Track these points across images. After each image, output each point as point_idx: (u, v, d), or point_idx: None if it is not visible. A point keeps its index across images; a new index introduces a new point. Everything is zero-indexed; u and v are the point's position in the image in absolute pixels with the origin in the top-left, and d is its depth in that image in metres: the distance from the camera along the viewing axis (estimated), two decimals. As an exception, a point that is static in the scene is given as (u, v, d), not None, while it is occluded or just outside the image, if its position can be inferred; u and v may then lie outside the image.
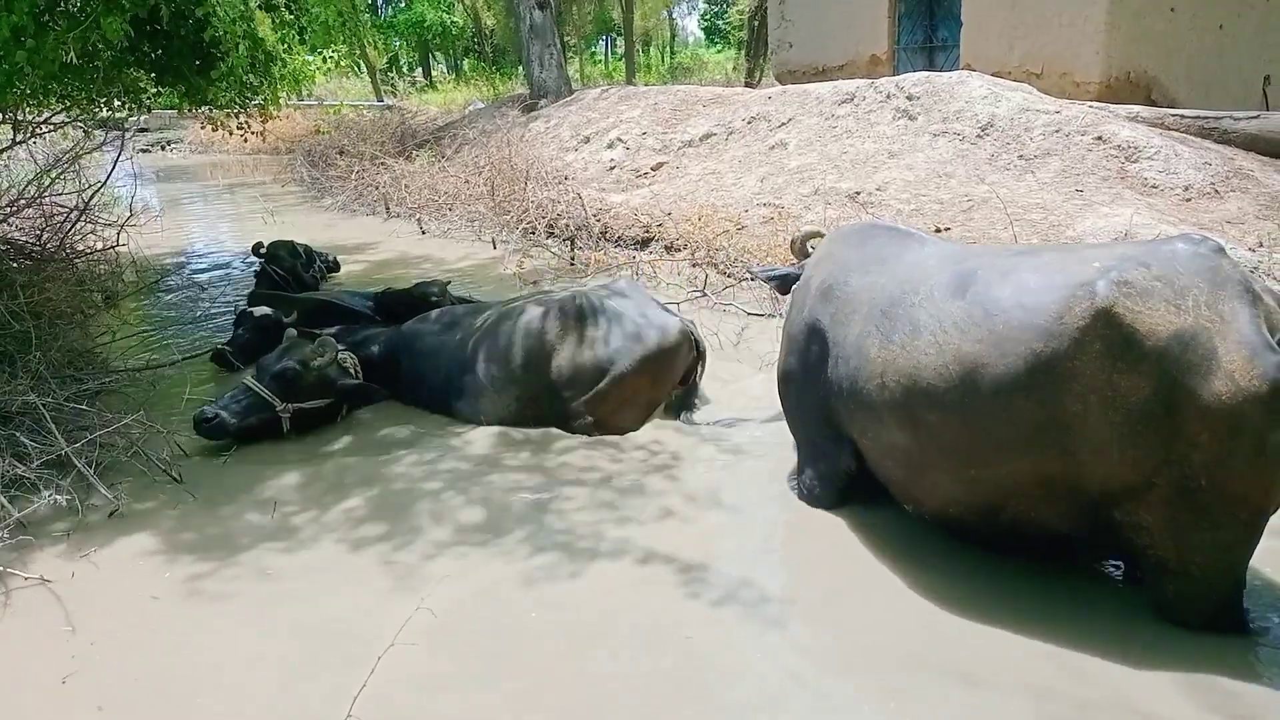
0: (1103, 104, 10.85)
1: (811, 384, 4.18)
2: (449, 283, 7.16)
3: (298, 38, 8.57)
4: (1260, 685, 3.05)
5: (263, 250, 8.74)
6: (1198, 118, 10.21)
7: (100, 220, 8.15)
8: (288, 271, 8.66)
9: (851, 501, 4.26)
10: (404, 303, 7.15)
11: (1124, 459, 3.14)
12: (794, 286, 4.54)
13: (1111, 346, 3.05)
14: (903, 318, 3.60)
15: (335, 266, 9.93)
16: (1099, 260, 3.22)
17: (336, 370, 5.55)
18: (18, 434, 4.84)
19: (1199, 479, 3.07)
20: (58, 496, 4.35)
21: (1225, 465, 3.04)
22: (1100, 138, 9.28)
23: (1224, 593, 3.29)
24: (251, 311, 6.99)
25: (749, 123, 12.66)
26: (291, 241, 9.07)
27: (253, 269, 8.93)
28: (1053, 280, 3.25)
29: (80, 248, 7.78)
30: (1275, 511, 3.16)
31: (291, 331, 5.78)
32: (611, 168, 13.29)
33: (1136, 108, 10.72)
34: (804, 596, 3.73)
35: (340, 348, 5.67)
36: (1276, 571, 3.62)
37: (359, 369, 5.71)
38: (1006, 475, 3.40)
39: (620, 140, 13.84)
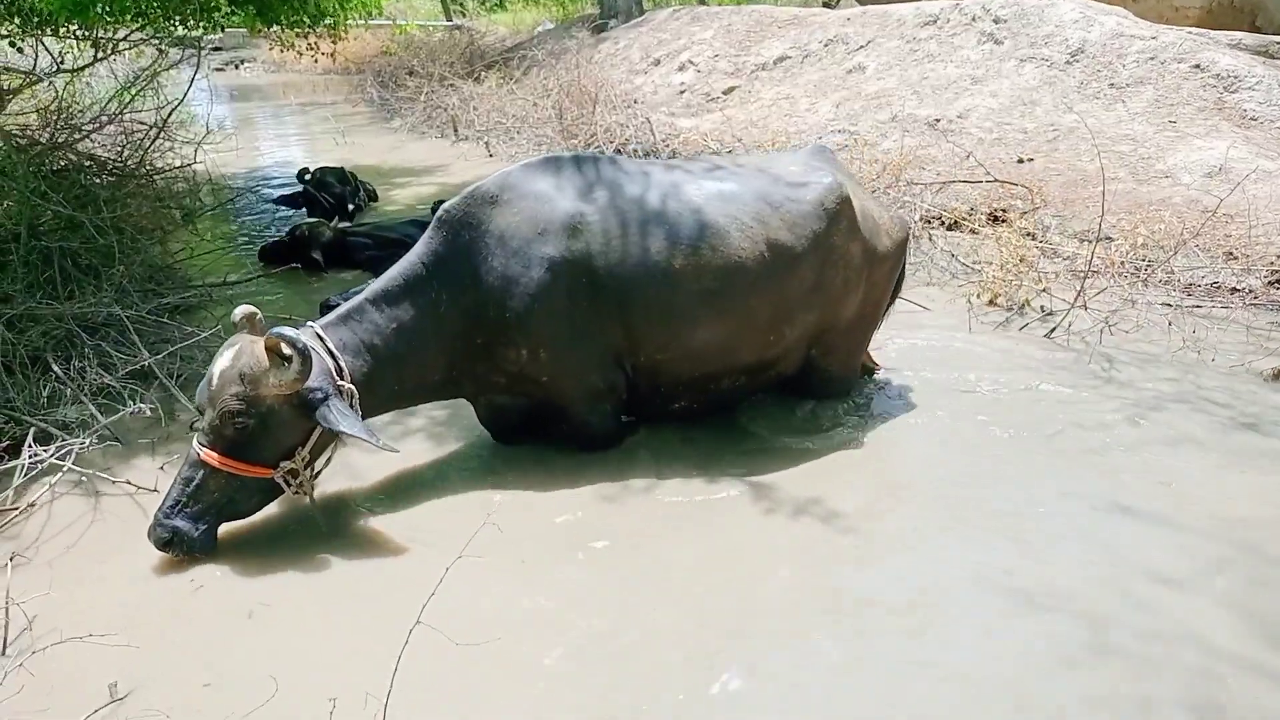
0: (1202, 30, 10.24)
1: (586, 324, 3.94)
2: None
3: None
4: None
5: (309, 176, 8.77)
6: (1306, 45, 9.59)
7: (178, 138, 8.27)
8: (335, 199, 8.69)
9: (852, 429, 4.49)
10: None
11: (847, 304, 4.37)
12: (486, 255, 3.86)
13: (850, 222, 4.22)
14: (698, 223, 3.96)
15: (373, 196, 9.89)
16: (795, 163, 4.36)
17: None
18: (103, 344, 5.01)
19: (867, 307, 4.51)
20: (143, 405, 4.50)
21: (882, 292, 4.58)
22: (1198, 66, 8.79)
23: (857, 373, 4.79)
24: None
25: (826, 45, 12.27)
26: (341, 169, 9.10)
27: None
28: (803, 176, 4.23)
29: (159, 165, 7.90)
30: None
31: None
32: (682, 91, 13.03)
33: (1239, 34, 10.10)
34: (868, 528, 3.72)
35: None
36: None
37: None
38: (790, 338, 4.28)
39: (691, 63, 13.54)
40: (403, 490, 4.06)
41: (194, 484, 3.48)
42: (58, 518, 3.88)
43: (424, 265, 3.91)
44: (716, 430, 4.50)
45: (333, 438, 3.69)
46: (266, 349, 3.42)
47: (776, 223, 4.06)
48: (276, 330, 3.39)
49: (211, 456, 3.46)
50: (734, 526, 3.75)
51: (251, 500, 3.64)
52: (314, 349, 3.51)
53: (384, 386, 3.83)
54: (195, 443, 3.51)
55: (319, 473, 3.74)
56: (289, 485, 3.62)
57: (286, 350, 3.39)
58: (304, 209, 8.94)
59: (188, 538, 3.45)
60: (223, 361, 3.50)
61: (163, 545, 3.46)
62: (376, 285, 3.93)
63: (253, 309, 3.69)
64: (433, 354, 3.93)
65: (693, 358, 4.13)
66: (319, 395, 3.49)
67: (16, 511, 3.84)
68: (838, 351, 4.54)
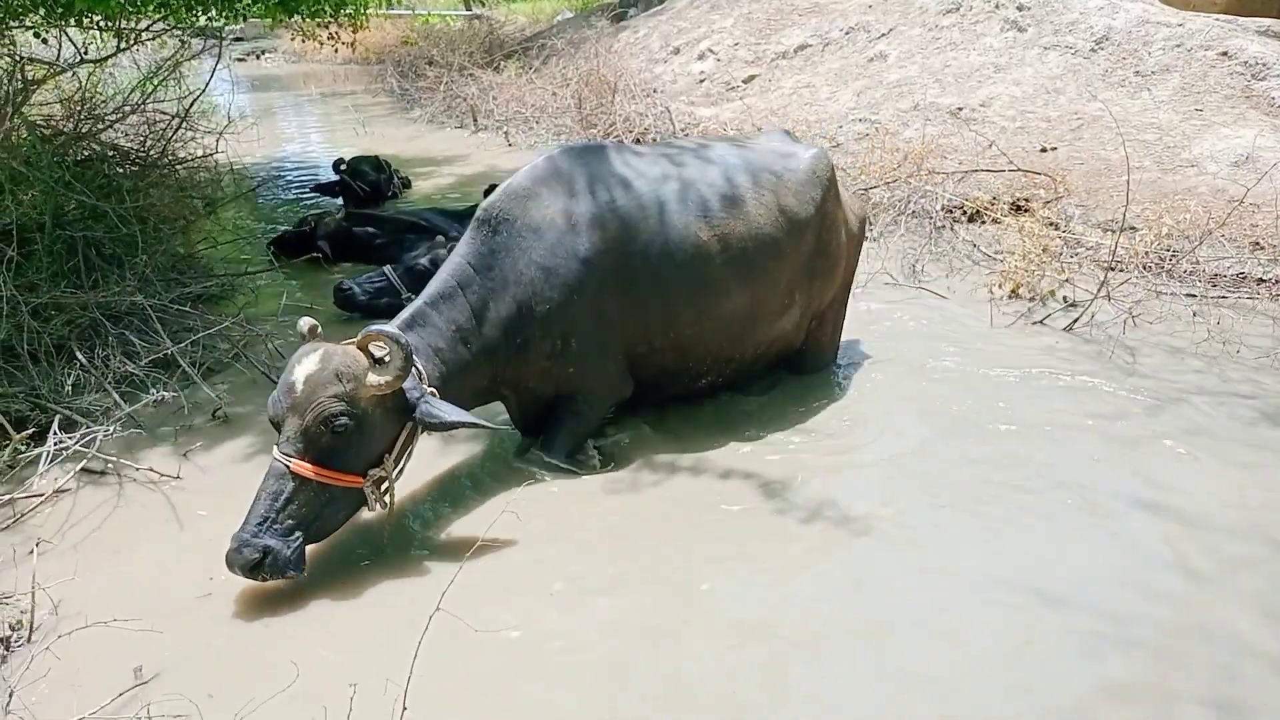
0: (1230, 16, 10.08)
1: (615, 310, 4.01)
2: None
3: None
4: None
5: (344, 166, 8.82)
6: (1337, 31, 9.41)
7: (200, 128, 8.31)
8: (370, 186, 8.77)
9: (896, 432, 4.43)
10: None
11: (839, 272, 4.72)
12: (526, 249, 3.87)
13: (837, 190, 4.61)
14: (717, 195, 4.15)
15: (407, 184, 9.95)
16: (772, 140, 4.63)
17: None
18: (127, 333, 5.06)
19: (848, 276, 4.89)
20: (165, 393, 4.54)
21: (853, 266, 4.93)
22: (1225, 53, 8.67)
23: (838, 344, 5.09)
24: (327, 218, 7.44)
25: (847, 33, 12.18)
26: (376, 156, 9.16)
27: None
28: (789, 149, 4.50)
29: (181, 154, 7.95)
30: None
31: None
32: (701, 80, 12.97)
33: (1268, 21, 9.93)
34: (890, 521, 3.71)
35: None
36: None
37: None
38: (799, 304, 4.52)
39: (711, 51, 13.47)
40: (422, 481, 4.07)
41: (282, 498, 3.23)
42: (82, 504, 3.93)
43: (470, 265, 3.90)
44: (730, 426, 4.49)
45: (412, 443, 3.53)
46: (359, 347, 3.32)
47: (783, 190, 4.33)
48: (375, 327, 3.29)
49: (304, 467, 3.23)
50: (751, 521, 3.74)
51: (339, 515, 3.42)
52: None
53: (453, 390, 3.69)
54: (279, 453, 3.27)
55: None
56: (373, 495, 3.43)
57: (379, 350, 3.29)
58: (339, 197, 9.00)
59: (281, 557, 3.18)
60: (305, 367, 3.29)
61: (251, 568, 3.16)
62: (431, 288, 3.86)
63: (314, 322, 3.52)
64: (484, 357, 3.86)
65: (723, 328, 4.27)
66: (415, 393, 3.41)
67: (42, 498, 3.89)
68: (827, 322, 4.89)
